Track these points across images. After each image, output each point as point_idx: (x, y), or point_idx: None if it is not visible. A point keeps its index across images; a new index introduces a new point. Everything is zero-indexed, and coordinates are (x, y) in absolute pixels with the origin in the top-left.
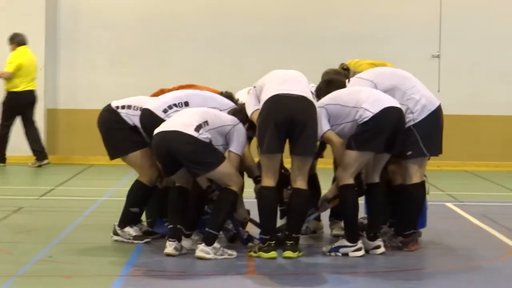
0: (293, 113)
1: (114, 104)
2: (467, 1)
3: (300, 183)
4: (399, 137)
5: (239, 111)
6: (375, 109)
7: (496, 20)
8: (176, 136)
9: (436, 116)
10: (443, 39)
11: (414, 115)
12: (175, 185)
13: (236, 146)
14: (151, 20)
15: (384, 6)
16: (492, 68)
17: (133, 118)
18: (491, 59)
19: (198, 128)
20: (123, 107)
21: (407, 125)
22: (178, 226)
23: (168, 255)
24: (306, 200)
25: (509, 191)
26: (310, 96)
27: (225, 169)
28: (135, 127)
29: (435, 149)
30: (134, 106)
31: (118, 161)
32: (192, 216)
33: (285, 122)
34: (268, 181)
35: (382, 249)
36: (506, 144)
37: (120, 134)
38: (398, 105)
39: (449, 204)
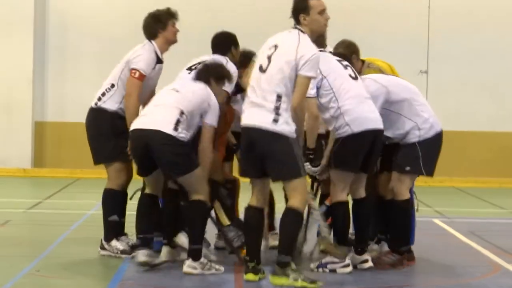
0: (253, 143)
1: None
2: (455, 17)
3: (292, 201)
4: (374, 158)
5: (204, 72)
6: (357, 127)
7: (483, 37)
8: (155, 135)
9: (439, 138)
10: (430, 55)
11: (421, 132)
12: (145, 193)
13: (211, 117)
14: (140, 33)
15: (372, 21)
16: (479, 84)
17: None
18: (478, 75)
19: (176, 125)
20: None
21: (411, 141)
22: (147, 235)
23: (143, 263)
24: (295, 220)
25: (496, 207)
26: (270, 117)
27: (197, 177)
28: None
29: (431, 169)
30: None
31: (105, 174)
32: (169, 223)
33: (250, 151)
34: (252, 200)
35: (369, 263)
36: (494, 160)
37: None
38: (379, 127)
39: (436, 220)
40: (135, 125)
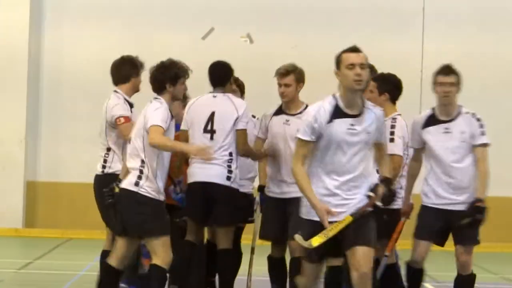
0: None
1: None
2: None
3: None
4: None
5: (156, 82)
6: None
7: (478, 102)
8: (122, 194)
9: None
10: None
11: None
12: (107, 261)
13: (151, 120)
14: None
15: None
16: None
17: None
18: None
19: (139, 179)
20: None
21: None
22: None
23: None
24: None
25: (487, 272)
26: None
27: (160, 243)
28: None
29: None
30: None
31: (96, 234)
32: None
33: None
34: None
35: None
36: (486, 224)
37: None
38: None
39: (427, 285)
40: None
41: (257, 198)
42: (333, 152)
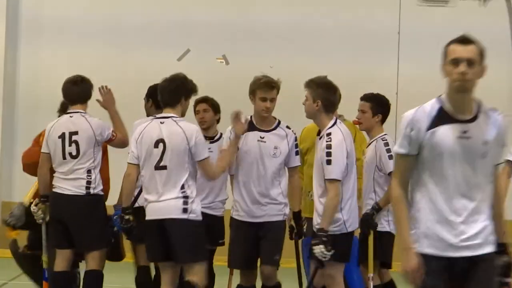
0: None
1: None
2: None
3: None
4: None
5: (172, 95)
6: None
7: None
8: (173, 224)
9: None
10: None
11: None
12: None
13: (203, 151)
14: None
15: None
16: None
17: None
18: None
19: (185, 203)
20: None
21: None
22: None
23: None
24: None
25: None
26: None
27: (205, 268)
28: None
29: None
30: None
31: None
32: None
33: None
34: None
35: None
36: None
37: None
38: None
39: None
40: (150, 212)
41: None
42: (443, 168)
